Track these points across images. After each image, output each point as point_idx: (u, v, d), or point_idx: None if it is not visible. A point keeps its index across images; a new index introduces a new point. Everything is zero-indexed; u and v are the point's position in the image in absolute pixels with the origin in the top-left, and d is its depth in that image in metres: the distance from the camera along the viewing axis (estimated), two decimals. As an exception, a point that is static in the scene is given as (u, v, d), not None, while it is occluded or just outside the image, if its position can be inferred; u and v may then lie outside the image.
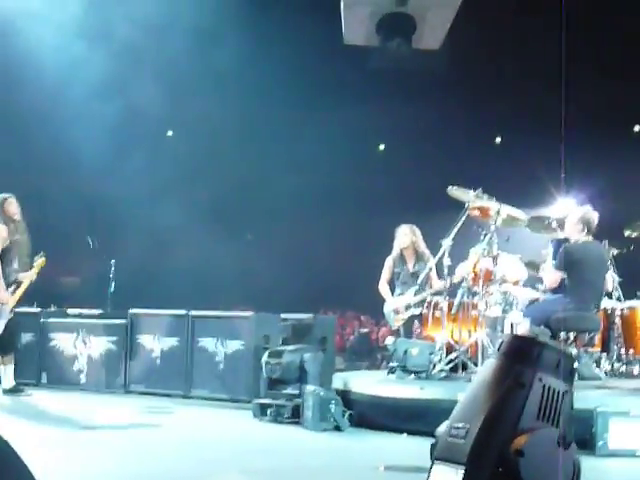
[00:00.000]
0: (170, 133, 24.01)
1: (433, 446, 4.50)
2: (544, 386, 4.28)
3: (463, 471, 4.19)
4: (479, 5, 17.07)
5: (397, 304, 10.98)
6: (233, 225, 22.54)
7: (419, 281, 10.57)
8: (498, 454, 4.18)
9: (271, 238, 22.73)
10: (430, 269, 10.57)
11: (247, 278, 21.62)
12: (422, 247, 11.22)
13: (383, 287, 11.31)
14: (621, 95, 19.35)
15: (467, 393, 4.51)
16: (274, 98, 19.28)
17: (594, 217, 9.42)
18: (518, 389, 4.25)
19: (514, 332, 9.18)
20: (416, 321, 10.96)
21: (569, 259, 9.12)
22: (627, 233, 10.70)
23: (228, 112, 20.11)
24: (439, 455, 4.41)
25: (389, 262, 11.34)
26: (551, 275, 9.32)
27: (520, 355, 4.39)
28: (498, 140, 22.84)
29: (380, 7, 16.20)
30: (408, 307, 10.87)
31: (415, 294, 10.79)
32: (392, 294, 11.20)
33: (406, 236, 11.21)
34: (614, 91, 19.25)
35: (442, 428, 4.49)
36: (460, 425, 4.32)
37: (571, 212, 9.59)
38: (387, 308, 11.13)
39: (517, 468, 4.11)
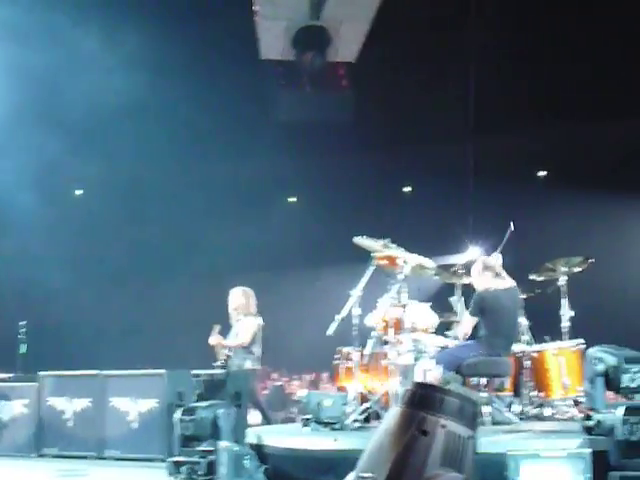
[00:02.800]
0: (79, 192, 23.70)
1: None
2: (447, 432, 4.32)
3: (371, 521, 4.20)
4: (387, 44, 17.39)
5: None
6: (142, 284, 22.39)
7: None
8: (405, 502, 4.20)
9: (189, 298, 22.50)
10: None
11: (161, 337, 21.42)
12: (252, 310, 11.59)
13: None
14: (527, 140, 19.72)
15: (372, 442, 4.53)
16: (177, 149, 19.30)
17: (492, 260, 9.61)
18: (422, 437, 4.29)
19: (425, 379, 9.24)
20: None
21: (482, 306, 9.26)
22: (533, 277, 10.85)
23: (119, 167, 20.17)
24: (347, 505, 4.43)
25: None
26: (466, 323, 9.46)
27: (423, 403, 4.44)
28: (408, 189, 23.03)
29: (294, 21, 16.44)
30: None
31: None
32: None
33: (238, 298, 11.59)
34: (520, 136, 19.62)
35: (349, 478, 4.50)
36: (366, 475, 4.34)
37: (473, 267, 9.73)
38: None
39: (424, 515, 4.14)
